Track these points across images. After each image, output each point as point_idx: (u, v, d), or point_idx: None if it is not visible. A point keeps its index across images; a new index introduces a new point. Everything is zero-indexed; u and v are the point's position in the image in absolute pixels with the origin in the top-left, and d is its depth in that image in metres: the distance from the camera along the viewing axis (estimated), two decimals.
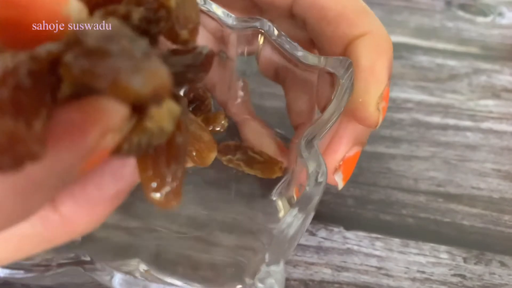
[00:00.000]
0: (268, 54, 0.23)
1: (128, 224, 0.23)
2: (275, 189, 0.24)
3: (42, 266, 0.16)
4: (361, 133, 0.22)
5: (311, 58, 0.21)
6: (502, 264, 0.25)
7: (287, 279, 0.24)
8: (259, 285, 0.15)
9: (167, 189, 0.11)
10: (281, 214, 0.23)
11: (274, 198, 0.23)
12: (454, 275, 0.24)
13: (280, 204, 0.23)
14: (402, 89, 0.34)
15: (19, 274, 0.16)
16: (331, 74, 0.20)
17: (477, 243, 0.26)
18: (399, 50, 0.37)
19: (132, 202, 0.24)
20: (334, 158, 0.22)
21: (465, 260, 0.25)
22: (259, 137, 0.25)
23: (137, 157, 0.12)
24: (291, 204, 0.23)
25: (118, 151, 0.11)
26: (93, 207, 0.11)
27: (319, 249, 0.25)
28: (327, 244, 0.25)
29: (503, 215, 0.27)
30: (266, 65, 0.24)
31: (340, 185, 0.22)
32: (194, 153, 0.19)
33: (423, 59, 0.36)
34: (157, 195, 0.11)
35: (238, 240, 0.22)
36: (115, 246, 0.22)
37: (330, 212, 0.27)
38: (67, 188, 0.11)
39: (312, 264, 0.24)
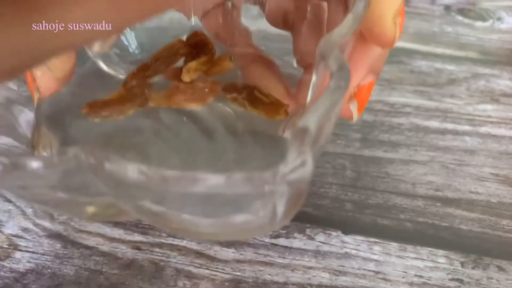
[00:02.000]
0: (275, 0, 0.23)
1: None
2: (282, 125, 0.23)
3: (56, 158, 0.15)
4: (376, 60, 0.22)
5: None
6: (500, 268, 0.25)
7: (284, 284, 0.24)
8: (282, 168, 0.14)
9: None
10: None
11: (283, 135, 0.23)
12: (452, 279, 0.24)
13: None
14: (401, 93, 0.34)
15: (26, 160, 0.15)
16: None
17: (475, 247, 0.26)
18: (398, 55, 0.37)
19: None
20: (349, 85, 0.21)
21: (462, 264, 0.25)
22: (265, 80, 0.25)
23: None
24: None
25: None
26: None
27: (317, 253, 0.25)
28: (325, 248, 0.25)
29: (501, 220, 0.27)
30: (274, 12, 0.24)
31: (355, 115, 0.22)
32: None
33: (422, 64, 0.36)
34: None
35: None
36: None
37: (328, 216, 0.27)
38: None
39: (310, 268, 0.25)
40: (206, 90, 0.24)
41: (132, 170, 0.14)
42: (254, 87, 0.24)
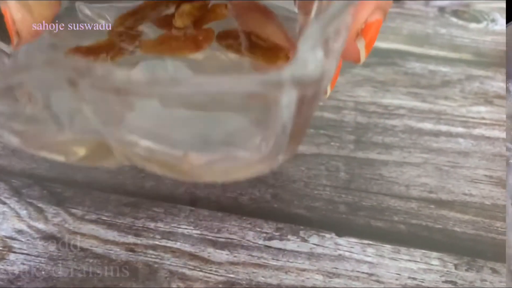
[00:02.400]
0: None
1: None
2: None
3: None
4: None
5: None
6: (494, 271, 0.25)
7: (278, 286, 0.24)
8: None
9: None
10: None
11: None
12: (445, 281, 0.24)
13: None
14: (395, 95, 0.34)
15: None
16: None
17: (468, 249, 0.26)
18: (392, 56, 0.37)
19: None
20: (356, 19, 0.20)
21: (456, 266, 0.25)
22: (263, 28, 0.23)
23: None
24: None
25: None
26: None
27: (310, 256, 0.25)
28: (319, 250, 0.25)
29: (495, 222, 0.27)
30: None
31: (362, 55, 0.21)
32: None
33: (416, 66, 0.36)
34: None
35: None
36: None
37: (322, 218, 0.27)
38: None
39: (304, 270, 0.25)
40: (200, 38, 0.23)
41: (123, 75, 0.13)
42: (250, 33, 0.23)
